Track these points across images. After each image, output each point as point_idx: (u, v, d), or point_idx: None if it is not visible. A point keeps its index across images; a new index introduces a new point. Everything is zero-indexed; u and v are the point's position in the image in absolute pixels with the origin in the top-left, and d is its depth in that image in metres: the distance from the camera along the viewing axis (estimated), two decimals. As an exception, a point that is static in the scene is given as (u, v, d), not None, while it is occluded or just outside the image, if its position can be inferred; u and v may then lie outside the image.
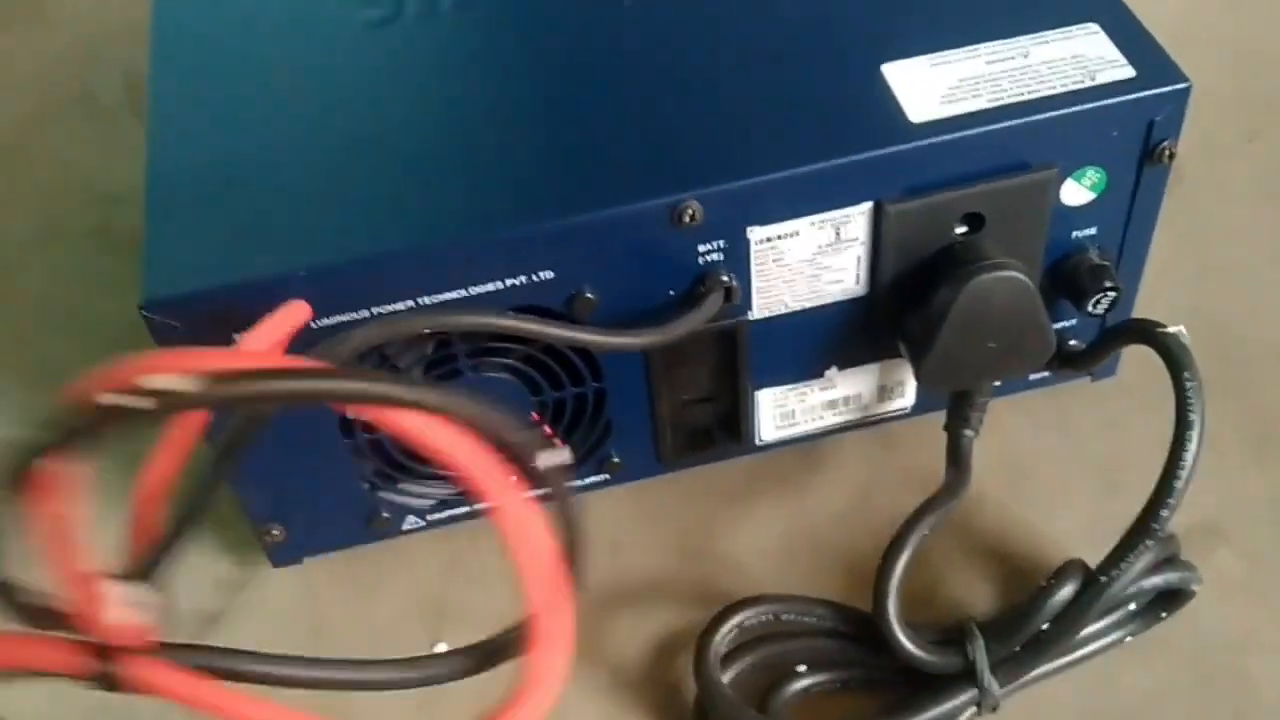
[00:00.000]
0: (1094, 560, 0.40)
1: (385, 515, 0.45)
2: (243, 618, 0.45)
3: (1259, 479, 0.46)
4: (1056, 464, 0.47)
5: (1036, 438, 0.48)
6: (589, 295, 0.40)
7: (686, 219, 0.39)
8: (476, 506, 0.46)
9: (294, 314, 0.37)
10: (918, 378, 0.42)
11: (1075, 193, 0.41)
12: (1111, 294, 0.43)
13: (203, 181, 0.41)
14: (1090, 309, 0.43)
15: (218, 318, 0.38)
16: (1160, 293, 0.50)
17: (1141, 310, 0.46)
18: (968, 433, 0.44)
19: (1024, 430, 0.48)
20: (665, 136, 0.40)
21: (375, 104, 0.43)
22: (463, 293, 0.39)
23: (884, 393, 0.47)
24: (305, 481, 0.43)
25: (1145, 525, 0.39)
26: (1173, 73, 0.40)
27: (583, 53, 0.44)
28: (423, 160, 0.41)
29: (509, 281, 0.39)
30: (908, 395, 0.47)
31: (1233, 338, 0.50)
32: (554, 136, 0.41)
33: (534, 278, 0.39)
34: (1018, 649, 0.40)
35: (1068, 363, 0.46)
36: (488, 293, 0.39)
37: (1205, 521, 0.45)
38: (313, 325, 0.38)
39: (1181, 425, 0.40)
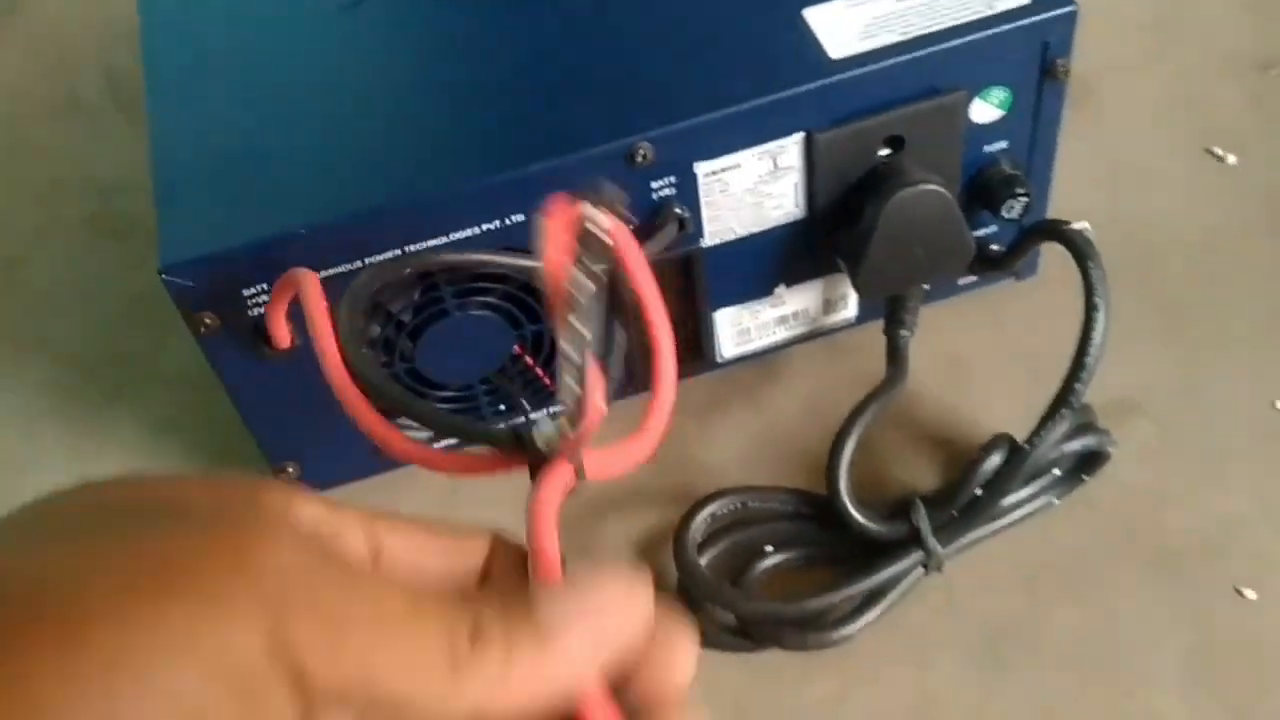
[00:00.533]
0: (1023, 439, 0.46)
1: (391, 445, 0.50)
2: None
3: (1168, 355, 0.51)
4: (988, 358, 0.52)
5: (969, 336, 0.53)
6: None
7: (639, 159, 0.44)
8: (472, 433, 0.51)
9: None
10: (855, 287, 0.48)
11: (984, 111, 0.46)
12: (1023, 199, 0.48)
13: (203, 159, 0.46)
14: (1005, 214, 0.48)
15: (228, 275, 0.43)
16: (1075, 197, 0.55)
17: (1059, 212, 0.51)
18: (904, 333, 0.49)
19: (958, 330, 0.53)
20: (616, 87, 0.45)
21: (353, 78, 0.48)
22: (444, 239, 0.44)
23: (829, 306, 0.52)
24: (316, 418, 0.48)
25: (1063, 397, 0.45)
26: (1061, -2, 0.45)
27: (536, 18, 0.48)
28: (399, 125, 0.46)
29: (484, 226, 0.44)
30: (851, 307, 0.52)
31: (1142, 234, 0.55)
32: (515, 94, 0.46)
33: (506, 221, 0.44)
34: (955, 514, 0.45)
35: (991, 265, 0.51)
36: (466, 238, 0.44)
37: (1123, 396, 0.50)
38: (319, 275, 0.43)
39: (1090, 308, 0.45)
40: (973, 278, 0.53)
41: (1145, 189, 0.57)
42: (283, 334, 0.44)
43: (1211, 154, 0.58)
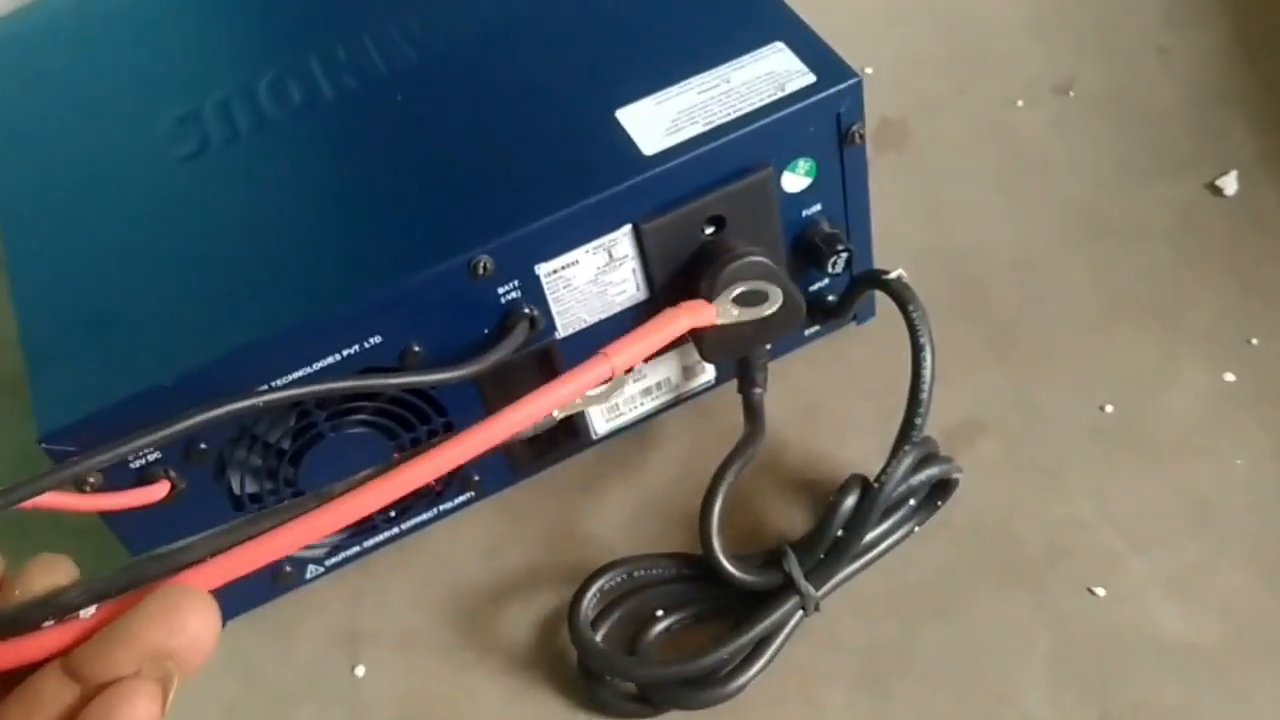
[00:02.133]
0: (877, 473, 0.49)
1: (288, 569, 0.52)
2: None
3: (1002, 376, 0.55)
4: (841, 400, 0.56)
5: (822, 381, 0.57)
6: (416, 349, 0.48)
7: (481, 270, 0.46)
8: (366, 544, 0.54)
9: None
10: (702, 356, 0.51)
11: (794, 181, 0.50)
12: (844, 254, 0.51)
13: (67, 323, 0.48)
14: (831, 270, 0.52)
15: (106, 434, 0.45)
16: (903, 235, 0.60)
17: (889, 251, 0.55)
18: (757, 390, 0.52)
19: (810, 377, 0.57)
20: (451, 204, 0.48)
21: (202, 228, 0.50)
22: (308, 369, 0.46)
23: (687, 373, 0.55)
24: (212, 556, 0.50)
25: (904, 434, 0.49)
26: (845, 71, 0.48)
27: (370, 146, 0.51)
28: (250, 266, 0.48)
29: (345, 352, 0.47)
30: (708, 371, 0.56)
31: (965, 262, 0.60)
32: (357, 223, 0.48)
33: (365, 344, 0.47)
34: (823, 556, 0.48)
35: (829, 315, 0.55)
36: (330, 364, 0.46)
37: (966, 419, 0.54)
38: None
39: (915, 348, 0.49)
40: (816, 327, 0.57)
41: (965, 219, 0.61)
42: (156, 491, 0.46)
43: (1021, 177, 0.62)
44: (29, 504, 0.37)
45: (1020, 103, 0.66)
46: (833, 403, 0.56)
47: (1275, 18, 0.66)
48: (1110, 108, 0.64)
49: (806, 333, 0.57)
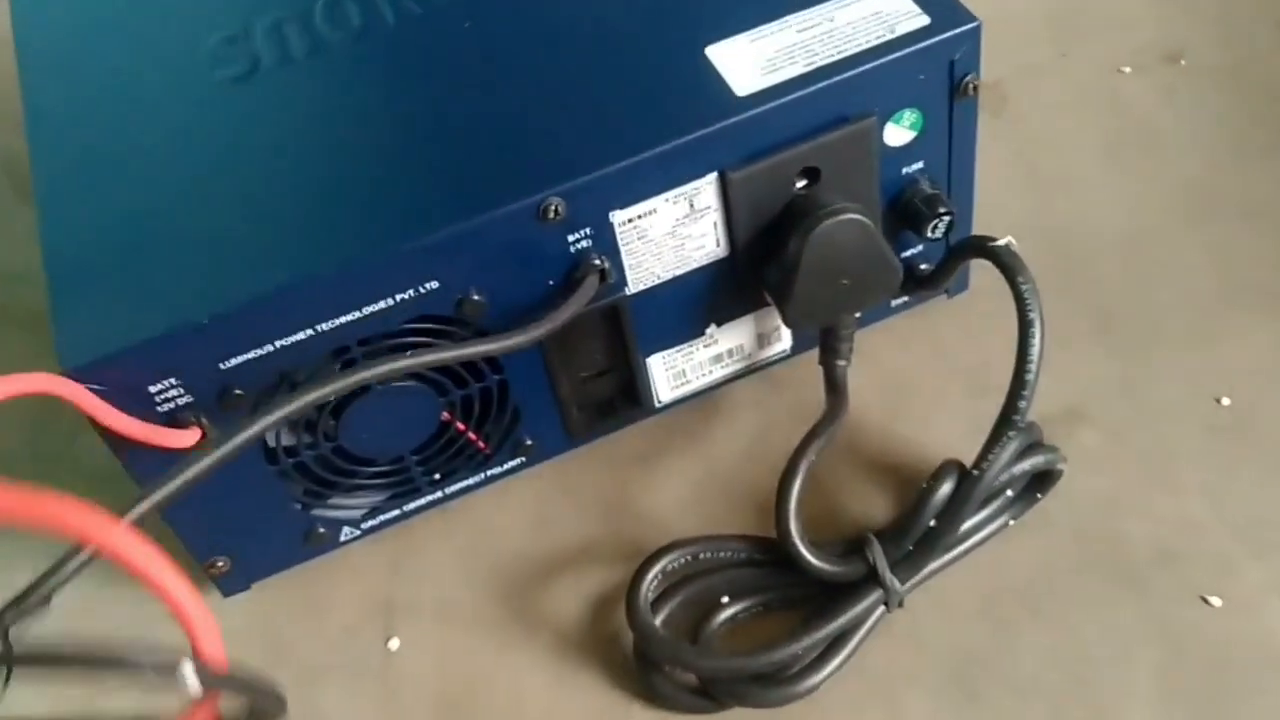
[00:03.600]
0: (971, 459, 0.45)
1: (321, 530, 0.48)
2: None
3: (1106, 361, 0.51)
4: (928, 378, 0.52)
5: (907, 357, 0.52)
6: (475, 298, 0.43)
7: (552, 214, 0.42)
8: (408, 507, 0.50)
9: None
10: (785, 322, 0.46)
11: (897, 134, 0.46)
12: (946, 218, 0.47)
13: (96, 251, 0.44)
14: (930, 234, 0.47)
15: (132, 374, 0.41)
16: (1000, 206, 0.55)
17: (984, 223, 0.51)
18: (840, 363, 0.48)
19: (895, 352, 0.52)
20: (522, 141, 0.44)
21: (248, 155, 0.46)
22: (357, 314, 0.42)
23: (762, 340, 0.51)
24: (241, 512, 0.46)
25: (1006, 418, 0.44)
26: (962, 14, 0.44)
27: (429, 79, 0.47)
28: (299, 199, 0.44)
29: (398, 297, 0.42)
30: (784, 339, 0.51)
31: (1068, 238, 0.55)
32: (419, 158, 0.44)
33: (421, 289, 0.42)
34: (911, 548, 0.44)
35: (921, 285, 0.50)
36: (380, 310, 0.42)
37: (1067, 406, 0.50)
38: (220, 367, 0.41)
39: (1024, 324, 0.44)
40: (904, 298, 0.52)
41: (1067, 192, 0.57)
42: (186, 436, 0.42)
43: (1130, 149, 0.58)
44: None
45: (1127, 69, 0.61)
46: (919, 382, 0.52)
47: None
48: (1225, 81, 0.59)
49: (893, 303, 0.52)
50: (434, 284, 0.43)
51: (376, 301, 0.42)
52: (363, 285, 0.42)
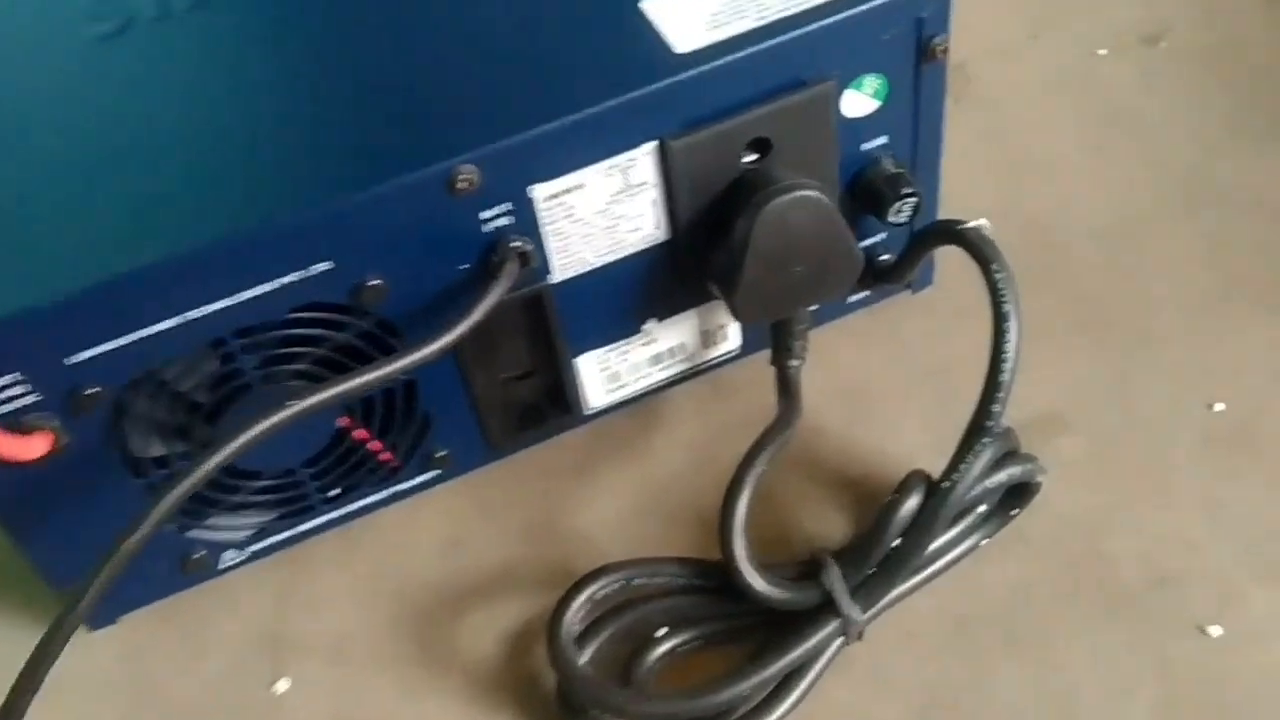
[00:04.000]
0: (939, 470, 0.40)
1: (199, 555, 0.42)
2: (61, 690, 0.41)
3: (1089, 361, 0.46)
4: (891, 381, 0.46)
5: (868, 358, 0.47)
6: (375, 282, 0.38)
7: (461, 185, 0.36)
8: (300, 528, 0.43)
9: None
10: (733, 314, 0.41)
11: (858, 102, 0.40)
12: (911, 200, 0.42)
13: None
14: (893, 218, 0.42)
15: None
16: (967, 193, 0.50)
17: (951, 212, 0.45)
18: (794, 362, 0.43)
19: (854, 352, 0.47)
20: (429, 101, 0.38)
21: (116, 119, 0.40)
22: (233, 299, 0.36)
23: (708, 338, 0.45)
24: (104, 533, 0.40)
25: (979, 424, 0.39)
26: (930, -34, 0.39)
27: (329, 29, 0.41)
28: (171, 167, 0.38)
29: (283, 280, 0.36)
30: (732, 337, 0.46)
31: (1044, 227, 0.50)
32: (309, 120, 0.38)
33: (310, 271, 0.37)
34: (872, 571, 0.38)
35: (882, 277, 0.45)
36: (261, 295, 0.36)
37: (1045, 410, 0.44)
38: (67, 361, 0.35)
39: (998, 318, 0.39)
40: (864, 292, 0.47)
41: (1044, 176, 0.52)
42: (33, 444, 0.36)
43: (1110, 133, 0.53)
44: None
45: (1103, 52, 0.56)
46: (881, 385, 0.46)
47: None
48: (1211, 62, 0.55)
49: (851, 299, 0.47)
50: (326, 265, 0.37)
51: (257, 285, 0.36)
52: (240, 265, 0.36)
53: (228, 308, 0.36)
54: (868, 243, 0.45)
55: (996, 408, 0.39)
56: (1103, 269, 0.48)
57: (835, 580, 0.38)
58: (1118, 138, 0.53)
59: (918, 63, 0.40)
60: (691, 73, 0.37)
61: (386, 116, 0.38)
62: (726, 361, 0.46)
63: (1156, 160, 0.51)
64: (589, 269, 0.41)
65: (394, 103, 0.38)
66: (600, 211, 0.39)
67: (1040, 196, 0.51)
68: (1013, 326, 0.39)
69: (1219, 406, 0.44)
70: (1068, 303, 0.47)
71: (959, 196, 0.47)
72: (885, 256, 0.45)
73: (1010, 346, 0.39)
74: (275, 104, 0.39)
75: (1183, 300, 0.47)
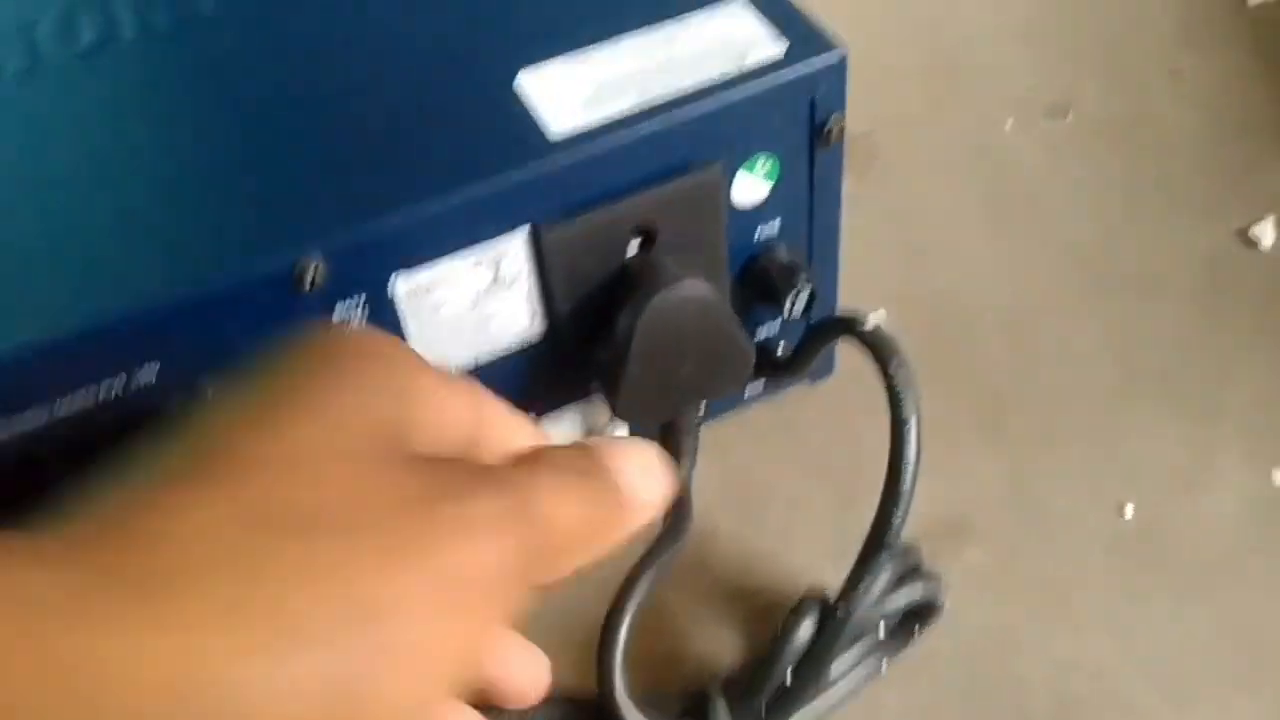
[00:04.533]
0: (838, 581, 0.36)
1: None
2: None
3: (995, 461, 0.43)
4: (788, 480, 0.43)
5: (763, 455, 0.44)
6: (211, 390, 0.33)
7: (309, 281, 0.32)
8: None
9: None
10: (615, 414, 0.38)
11: (750, 187, 0.37)
12: (807, 291, 0.39)
13: None
14: (788, 312, 0.39)
15: None
16: (869, 275, 0.48)
17: (852, 294, 0.43)
18: (682, 468, 0.39)
19: (749, 448, 0.44)
20: (275, 186, 0.34)
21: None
22: (45, 408, 0.32)
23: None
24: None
25: (877, 539, 0.36)
26: (824, 43, 0.36)
27: (168, 106, 0.37)
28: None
29: (104, 385, 0.32)
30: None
31: (947, 313, 0.47)
32: (138, 206, 0.34)
33: (133, 377, 0.32)
34: (764, 706, 0.35)
35: (779, 370, 0.42)
36: (76, 411, 0.32)
37: (951, 518, 0.42)
38: None
39: (897, 424, 0.36)
40: (759, 385, 0.44)
41: (947, 258, 0.49)
42: None
43: (1013, 212, 0.51)
44: None
45: (1008, 125, 0.54)
46: (778, 486, 0.43)
47: (1303, 47, 0.56)
48: (1116, 136, 0.53)
49: (746, 393, 0.44)
50: (153, 367, 0.33)
51: (73, 391, 0.32)
52: (53, 370, 0.32)
53: (37, 415, 0.32)
54: (762, 333, 0.42)
55: (896, 521, 0.36)
56: (1006, 360, 0.46)
57: (721, 717, 0.35)
58: (1022, 218, 0.51)
59: (812, 144, 0.38)
60: (568, 157, 0.34)
61: (226, 201, 0.34)
62: (611, 459, 0.43)
63: (1060, 242, 0.49)
64: (458, 367, 0.37)
65: (236, 186, 0.34)
66: (469, 306, 0.36)
67: (943, 280, 0.49)
68: (912, 433, 0.36)
69: (1128, 510, 0.41)
70: (971, 398, 0.45)
71: (860, 279, 0.44)
72: (782, 347, 0.42)
73: (910, 454, 0.36)
74: (100, 183, 0.35)
75: (1087, 394, 0.44)
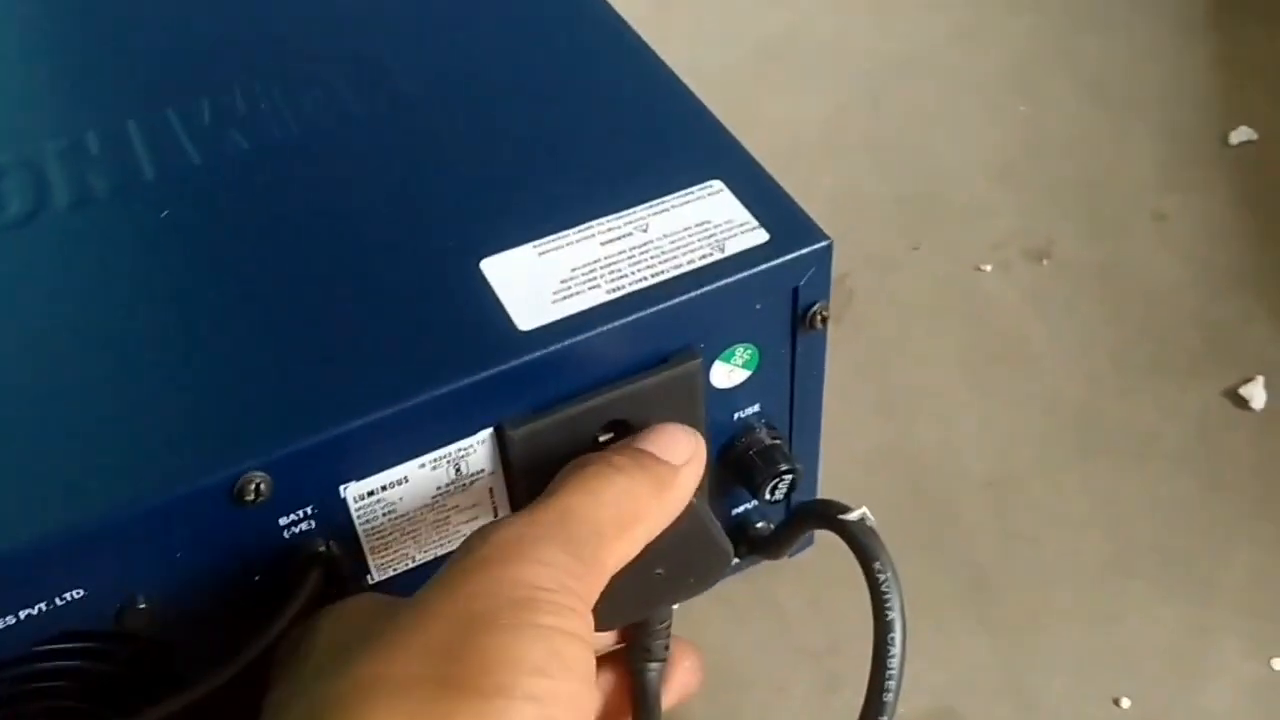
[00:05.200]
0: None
1: None
2: None
3: (984, 645, 0.41)
4: (767, 664, 0.41)
5: (740, 635, 0.42)
6: (141, 606, 0.31)
7: (252, 496, 0.30)
8: None
9: None
10: (583, 622, 0.35)
11: (727, 374, 0.35)
12: (788, 477, 0.37)
13: None
14: (767, 497, 0.37)
15: None
16: (848, 431, 0.46)
17: (830, 454, 0.41)
18: (653, 666, 0.37)
19: (725, 627, 0.42)
20: (214, 394, 0.31)
21: None
22: (-42, 639, 0.29)
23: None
24: None
25: (863, 756, 0.34)
26: (810, 231, 0.34)
27: (92, 296, 0.34)
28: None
29: (24, 613, 0.29)
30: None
31: (931, 476, 0.46)
32: (55, 417, 0.31)
33: (57, 601, 0.30)
34: None
35: (757, 549, 0.40)
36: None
37: (939, 708, 0.39)
38: None
39: (880, 627, 0.34)
40: (736, 560, 0.42)
41: (928, 414, 0.48)
42: None
43: (995, 363, 0.49)
44: None
45: (987, 267, 0.53)
46: (756, 670, 0.41)
47: (1283, 185, 0.55)
48: (1098, 282, 0.52)
49: (723, 567, 0.42)
50: (78, 592, 0.30)
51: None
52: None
53: (-55, 654, 0.29)
54: (741, 510, 0.40)
55: (882, 734, 0.34)
56: (991, 529, 0.44)
57: None
58: (1003, 370, 0.49)
59: (794, 330, 0.36)
60: (535, 354, 0.32)
61: (158, 412, 0.31)
62: (580, 645, 0.41)
63: (1043, 397, 0.48)
64: (416, 565, 0.35)
65: (174, 394, 0.31)
66: (427, 505, 0.33)
67: (921, 439, 0.47)
68: (898, 638, 0.34)
69: (1125, 702, 0.39)
70: (958, 571, 0.43)
71: (839, 434, 0.43)
72: (761, 525, 0.40)
73: (895, 659, 0.34)
74: (14, 392, 0.32)
75: (1077, 569, 0.43)
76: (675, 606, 0.37)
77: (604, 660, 0.37)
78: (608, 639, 0.37)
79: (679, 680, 0.37)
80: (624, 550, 0.30)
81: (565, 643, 0.26)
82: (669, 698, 0.36)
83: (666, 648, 0.37)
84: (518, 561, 0.27)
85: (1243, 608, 0.41)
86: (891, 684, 0.34)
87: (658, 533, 0.31)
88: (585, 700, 0.27)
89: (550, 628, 0.26)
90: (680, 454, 0.32)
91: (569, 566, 0.28)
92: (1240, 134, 0.57)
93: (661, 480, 0.31)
